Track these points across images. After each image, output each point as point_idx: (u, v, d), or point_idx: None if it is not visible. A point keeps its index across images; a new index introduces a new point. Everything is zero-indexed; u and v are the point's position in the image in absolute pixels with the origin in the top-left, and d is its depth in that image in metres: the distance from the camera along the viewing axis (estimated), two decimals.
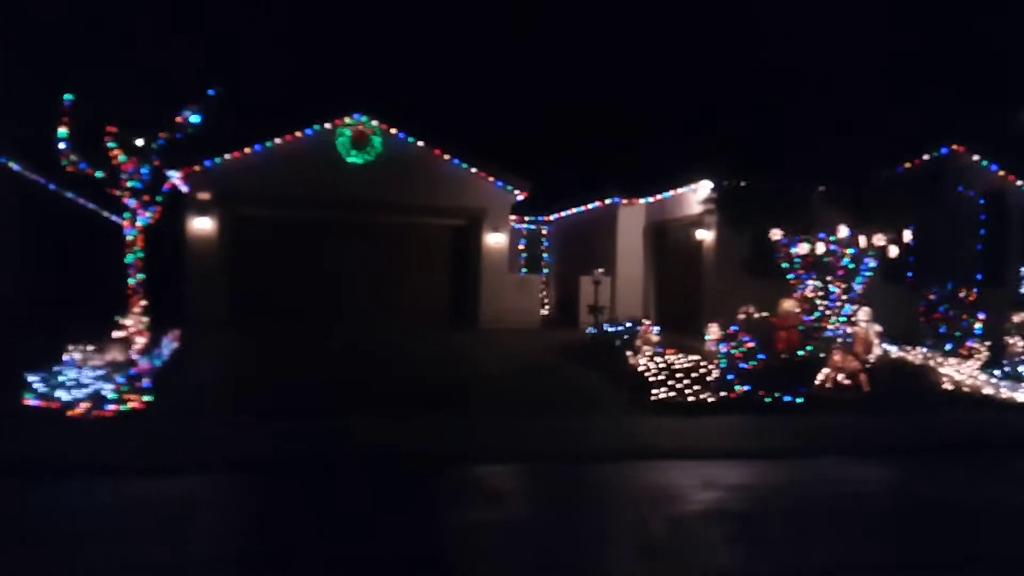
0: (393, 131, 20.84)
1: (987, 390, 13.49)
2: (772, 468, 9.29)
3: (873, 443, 10.40)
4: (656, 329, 14.80)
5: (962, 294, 17.22)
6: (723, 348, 13.01)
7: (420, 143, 21.11)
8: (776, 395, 12.28)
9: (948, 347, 15.23)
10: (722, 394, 12.14)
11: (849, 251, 14.90)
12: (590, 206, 24.11)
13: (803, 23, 21.99)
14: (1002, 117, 19.84)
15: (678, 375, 12.30)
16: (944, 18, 21.03)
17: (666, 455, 9.49)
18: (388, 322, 20.43)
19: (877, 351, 14.82)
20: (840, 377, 12.98)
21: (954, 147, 19.39)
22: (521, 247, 27.20)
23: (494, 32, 31.14)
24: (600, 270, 20.09)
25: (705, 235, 19.41)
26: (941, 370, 14.17)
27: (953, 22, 22.44)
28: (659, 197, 21.62)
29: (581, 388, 13.29)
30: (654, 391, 11.97)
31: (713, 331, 15.26)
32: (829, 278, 15.18)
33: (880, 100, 18.91)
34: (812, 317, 15.15)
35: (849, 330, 14.38)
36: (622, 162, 24.68)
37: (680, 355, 13.17)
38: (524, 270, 26.17)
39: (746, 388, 12.41)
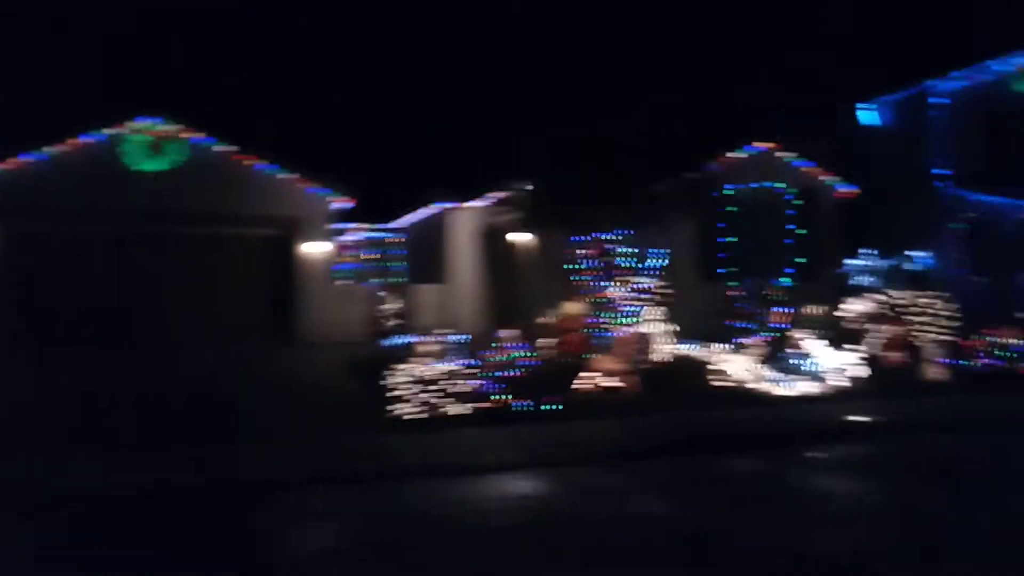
0: (193, 136, 19.77)
1: (758, 386, 13.23)
2: (477, 484, 8.70)
3: (605, 448, 9.91)
4: (464, 338, 14.23)
5: (764, 290, 17.12)
6: (489, 355, 12.46)
7: (225, 148, 20.09)
8: (532, 404, 11.73)
9: (732, 344, 14.98)
10: (477, 405, 11.54)
11: (631, 250, 14.54)
12: (425, 211, 23.48)
13: (621, 24, 21.81)
14: (813, 115, 19.98)
15: (431, 387, 11.65)
16: (759, 17, 21.13)
17: (396, 473, 8.85)
18: (196, 340, 19.34)
19: (665, 350, 14.51)
20: (609, 380, 12.54)
21: (764, 144, 19.39)
22: (375, 256, 26.31)
23: (312, 33, 30.15)
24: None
25: (520, 239, 18.96)
26: (723, 367, 13.88)
27: (768, 22, 22.57)
28: (477, 203, 21.11)
29: (345, 406, 12.55)
30: (395, 407, 11.30)
31: (509, 337, 14.73)
32: (618, 280, 14.81)
33: (687, 100, 18.82)
34: (602, 319, 14.73)
35: (621, 332, 13.98)
36: (451, 164, 24.10)
37: (458, 365, 12.54)
38: (381, 280, 25.28)
39: (507, 397, 11.84)
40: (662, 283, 15.54)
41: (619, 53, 17.98)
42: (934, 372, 14.12)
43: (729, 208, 18.99)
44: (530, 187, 17.39)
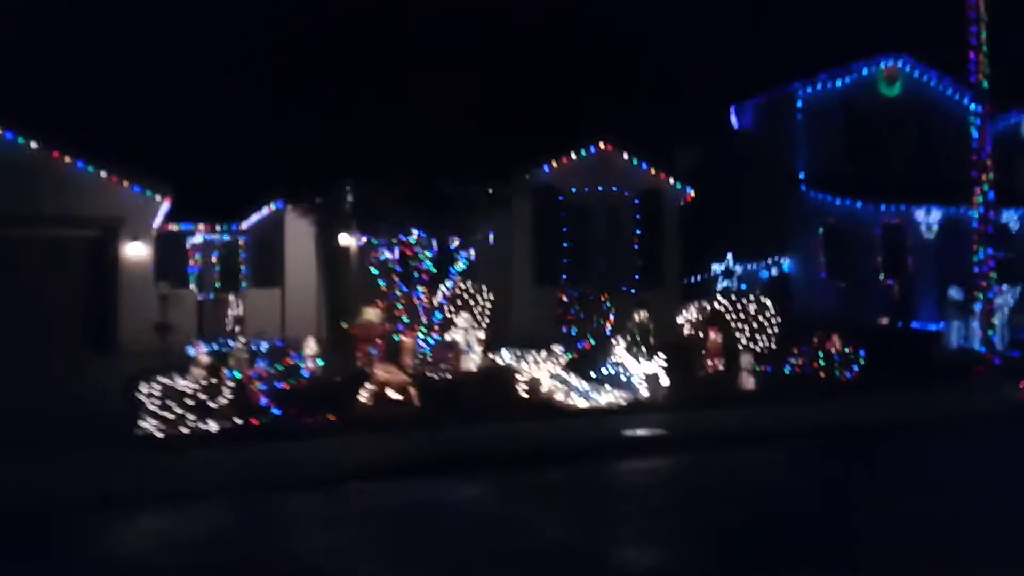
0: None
1: (560, 397, 12.57)
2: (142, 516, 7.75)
3: (338, 469, 9.04)
4: (264, 345, 13.23)
5: (592, 295, 16.54)
6: (262, 366, 11.52)
7: (34, 144, 18.64)
8: (298, 418, 10.84)
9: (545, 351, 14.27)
10: (242, 420, 10.58)
11: (427, 253, 13.74)
12: (265, 212, 22.32)
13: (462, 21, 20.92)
14: (655, 117, 19.52)
15: (187, 401, 10.65)
16: (597, 20, 20.64)
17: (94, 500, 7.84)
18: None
19: (475, 359, 13.77)
20: (393, 392, 11.71)
21: (603, 146, 18.85)
22: (214, 258, 25.04)
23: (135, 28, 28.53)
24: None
25: (348, 241, 18.02)
26: (529, 377, 13.17)
27: (606, 24, 22.07)
28: (308, 204, 20.03)
29: (98, 420, 11.44)
30: (142, 424, 10.28)
31: (310, 346, 13.80)
32: (423, 285, 14.01)
33: (524, 101, 18.13)
34: (404, 326, 13.90)
35: (418, 340, 13.17)
36: (287, 164, 22.90)
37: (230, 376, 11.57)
38: (217, 284, 24.01)
39: (275, 412, 10.92)
40: (471, 288, 14.84)
41: (457, 52, 17.15)
42: (746, 381, 13.68)
43: (567, 211, 18.38)
44: (348, 188, 16.51)
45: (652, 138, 19.60)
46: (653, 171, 19.07)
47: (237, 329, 19.90)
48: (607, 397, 12.58)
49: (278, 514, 7.76)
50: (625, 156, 18.79)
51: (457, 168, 14.32)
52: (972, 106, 15.94)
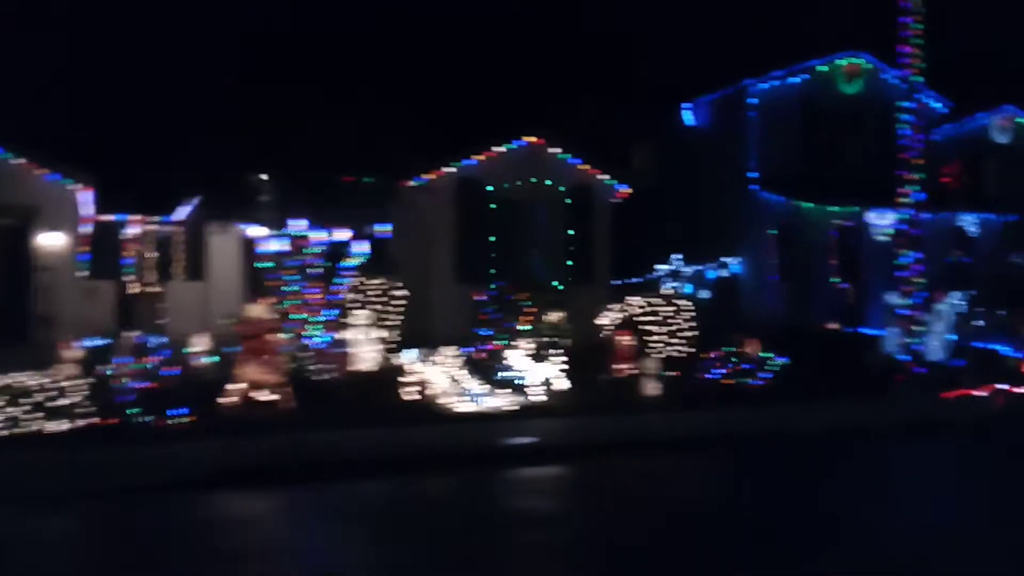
0: None
1: (449, 400, 11.93)
2: None
3: (161, 475, 8.41)
4: (153, 341, 12.61)
5: (509, 294, 15.91)
6: (127, 363, 10.89)
7: None
8: (151, 419, 10.20)
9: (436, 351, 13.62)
10: (79, 423, 9.96)
11: (317, 249, 13.09)
12: (191, 204, 21.63)
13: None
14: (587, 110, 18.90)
15: (23, 400, 10.02)
16: (522, 13, 20.06)
17: None
18: None
19: (371, 358, 13.16)
20: (260, 393, 11.09)
21: (532, 139, 18.21)
22: (143, 250, 24.24)
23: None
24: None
25: (257, 233, 17.34)
26: (422, 378, 12.55)
27: (544, 17, 21.45)
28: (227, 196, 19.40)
29: None
30: None
31: (200, 343, 13.18)
32: (314, 281, 13.37)
33: (449, 92, 17.58)
34: (293, 323, 13.27)
35: (282, 339, 12.43)
36: (211, 156, 22.29)
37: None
38: (143, 276, 23.26)
39: (132, 412, 10.29)
40: (380, 284, 14.23)
41: (386, 44, 16.62)
42: (647, 387, 13.05)
43: (494, 205, 17.75)
44: (263, 179, 15.90)
45: (589, 134, 18.97)
46: (584, 166, 18.42)
47: (161, 323, 19.31)
48: (498, 401, 11.95)
49: (43, 528, 7.11)
50: (555, 150, 18.13)
51: (360, 160, 13.72)
52: (907, 103, 15.28)
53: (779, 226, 24.09)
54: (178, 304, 19.71)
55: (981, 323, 21.40)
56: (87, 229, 22.41)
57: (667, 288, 25.28)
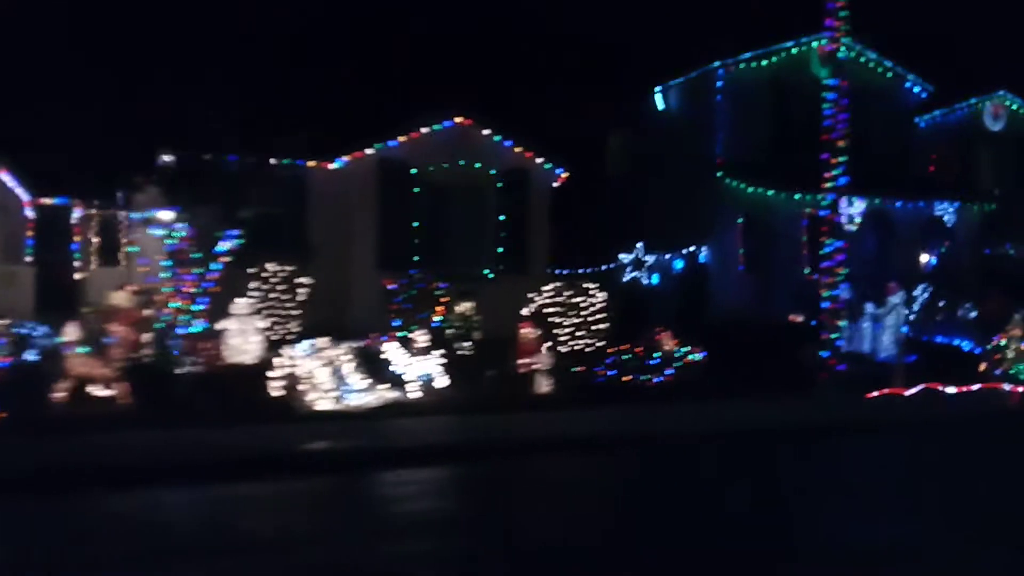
0: None
1: (319, 396, 11.07)
2: None
3: None
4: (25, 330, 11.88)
5: (423, 283, 15.04)
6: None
7: None
8: None
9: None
10: None
11: (176, 234, 12.24)
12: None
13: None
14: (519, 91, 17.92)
15: None
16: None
17: None
18: None
19: (250, 351, 12.32)
20: (95, 387, 10.28)
21: (460, 119, 17.27)
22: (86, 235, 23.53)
23: None
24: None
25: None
26: (293, 373, 11.69)
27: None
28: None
29: None
30: None
31: (70, 332, 12.39)
32: (183, 267, 12.54)
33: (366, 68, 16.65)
34: (159, 311, 12.45)
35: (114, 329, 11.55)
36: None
37: None
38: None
39: None
40: (278, 271, 13.41)
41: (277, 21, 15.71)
42: (540, 384, 12.13)
43: (420, 189, 16.86)
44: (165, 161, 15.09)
45: (525, 116, 17.99)
46: (519, 149, 17.44)
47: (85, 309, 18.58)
48: (368, 399, 11.08)
49: None
50: (486, 132, 17.17)
51: (275, 141, 12.88)
52: (830, 80, 14.18)
53: (746, 215, 22.98)
54: (100, 290, 18.96)
55: (946, 316, 20.34)
56: (29, 214, 21.76)
57: (635, 276, 24.43)
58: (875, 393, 12.90)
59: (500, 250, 17.58)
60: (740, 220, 23.20)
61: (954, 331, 19.28)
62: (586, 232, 22.60)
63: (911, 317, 20.45)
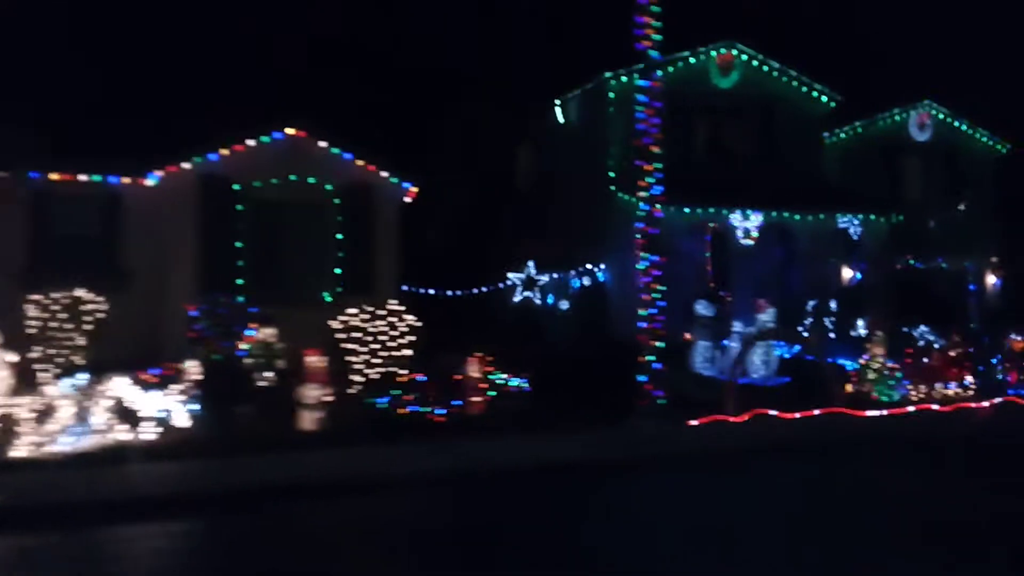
0: None
1: (33, 440, 9.70)
2: None
3: None
4: None
5: (225, 308, 13.72)
6: None
7: None
8: None
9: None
10: None
11: None
12: None
13: None
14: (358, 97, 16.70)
15: None
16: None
17: None
18: None
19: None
20: None
21: (291, 131, 16.02)
22: None
23: None
24: None
25: None
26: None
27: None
28: None
29: None
30: None
31: None
32: None
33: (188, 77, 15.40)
34: None
35: None
36: None
37: None
38: None
39: None
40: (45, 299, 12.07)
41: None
42: (306, 419, 10.80)
43: (247, 206, 15.60)
44: None
45: (367, 127, 16.77)
46: (360, 162, 16.20)
47: None
48: (89, 442, 9.72)
49: None
50: (322, 144, 15.93)
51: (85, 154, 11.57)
52: (641, 81, 12.97)
53: (641, 232, 21.66)
54: None
55: (837, 334, 19.18)
56: None
57: (527, 296, 23.17)
58: (697, 421, 11.61)
59: (338, 271, 16.28)
60: (638, 236, 21.91)
61: (841, 350, 18.07)
62: (464, 250, 21.35)
63: (806, 335, 19.31)
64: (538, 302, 22.93)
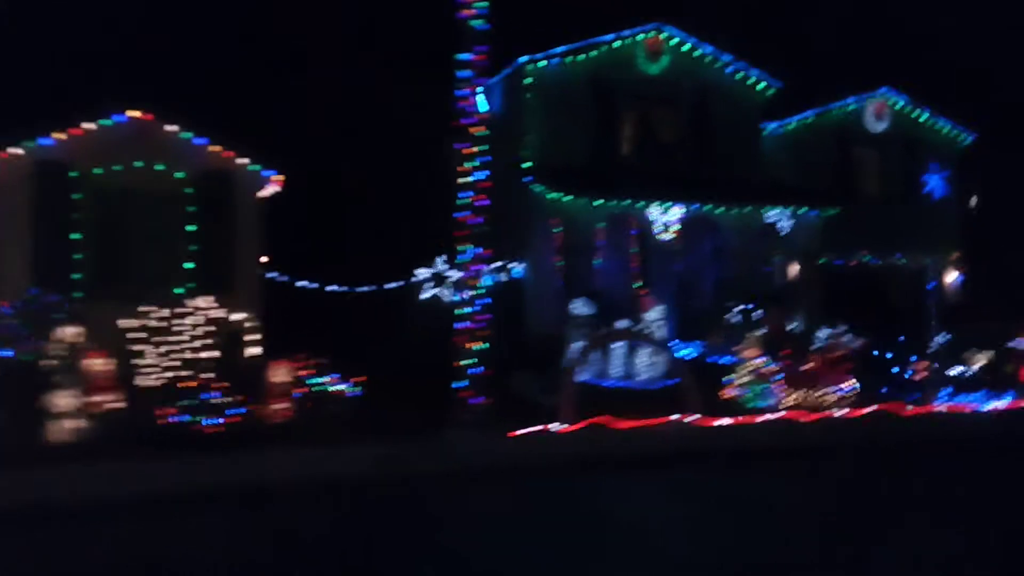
0: None
1: None
2: None
3: None
4: None
5: (39, 304, 12.55)
6: None
7: None
8: None
9: None
10: None
11: None
12: None
13: None
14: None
15: None
16: None
17: None
18: None
19: None
20: None
21: (135, 114, 14.83)
22: None
23: None
24: None
25: None
26: None
27: None
28: None
29: None
30: None
31: None
32: None
33: None
34: None
35: None
36: None
37: None
38: None
39: None
40: None
41: None
42: (58, 429, 9.60)
43: (87, 195, 14.44)
44: None
45: (226, 111, 15.52)
46: (216, 148, 14.99)
47: None
48: None
49: None
50: (171, 128, 14.73)
51: None
52: (462, 54, 11.60)
53: (565, 225, 20.46)
54: None
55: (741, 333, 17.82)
56: None
57: (437, 293, 21.95)
58: (519, 433, 10.34)
59: (190, 266, 15.09)
60: (558, 230, 20.70)
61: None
62: (365, 246, 20.14)
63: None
64: (448, 299, 21.69)
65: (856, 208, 24.63)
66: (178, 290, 14.98)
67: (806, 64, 29.13)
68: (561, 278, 20.52)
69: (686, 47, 22.23)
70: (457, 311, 10.92)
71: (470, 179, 11.00)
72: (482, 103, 23.91)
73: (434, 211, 23.68)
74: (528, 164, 20.61)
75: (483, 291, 10.96)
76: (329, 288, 17.07)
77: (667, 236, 20.50)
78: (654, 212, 20.26)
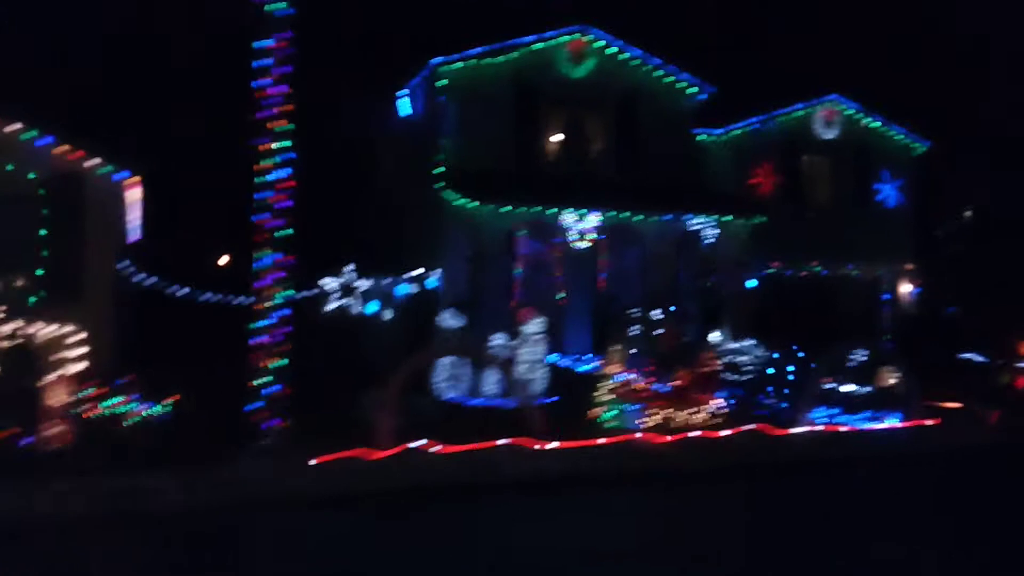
0: None
1: None
2: None
3: None
4: None
5: None
6: None
7: None
8: None
9: None
10: None
11: None
12: None
13: None
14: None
15: None
16: None
17: None
18: None
19: None
20: None
21: None
22: None
23: None
24: None
25: None
26: None
27: None
28: None
29: None
30: None
31: None
32: None
33: None
34: None
35: None
36: None
37: None
38: None
39: None
40: None
41: None
42: None
43: None
44: None
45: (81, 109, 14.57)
46: (64, 148, 14.02)
47: None
48: None
49: None
50: (13, 128, 13.77)
51: None
52: (263, 42, 10.42)
53: (482, 234, 19.44)
54: None
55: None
56: None
57: (343, 305, 20.96)
58: (319, 460, 9.27)
59: (40, 273, 14.12)
60: (476, 240, 19.70)
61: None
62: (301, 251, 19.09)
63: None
64: (356, 311, 20.70)
65: (806, 217, 23.73)
66: (31, 298, 14.03)
67: (753, 70, 28.26)
68: (467, 289, 19.53)
69: (612, 50, 21.29)
70: (252, 324, 9.81)
71: (269, 178, 9.84)
72: (403, 106, 23.14)
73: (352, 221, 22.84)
74: (440, 170, 19.63)
75: (281, 302, 9.83)
76: (203, 298, 16.02)
77: (583, 244, 19.48)
78: (568, 219, 19.24)
